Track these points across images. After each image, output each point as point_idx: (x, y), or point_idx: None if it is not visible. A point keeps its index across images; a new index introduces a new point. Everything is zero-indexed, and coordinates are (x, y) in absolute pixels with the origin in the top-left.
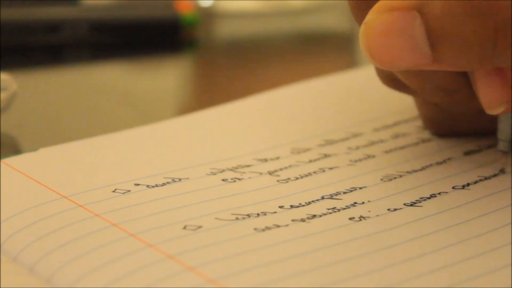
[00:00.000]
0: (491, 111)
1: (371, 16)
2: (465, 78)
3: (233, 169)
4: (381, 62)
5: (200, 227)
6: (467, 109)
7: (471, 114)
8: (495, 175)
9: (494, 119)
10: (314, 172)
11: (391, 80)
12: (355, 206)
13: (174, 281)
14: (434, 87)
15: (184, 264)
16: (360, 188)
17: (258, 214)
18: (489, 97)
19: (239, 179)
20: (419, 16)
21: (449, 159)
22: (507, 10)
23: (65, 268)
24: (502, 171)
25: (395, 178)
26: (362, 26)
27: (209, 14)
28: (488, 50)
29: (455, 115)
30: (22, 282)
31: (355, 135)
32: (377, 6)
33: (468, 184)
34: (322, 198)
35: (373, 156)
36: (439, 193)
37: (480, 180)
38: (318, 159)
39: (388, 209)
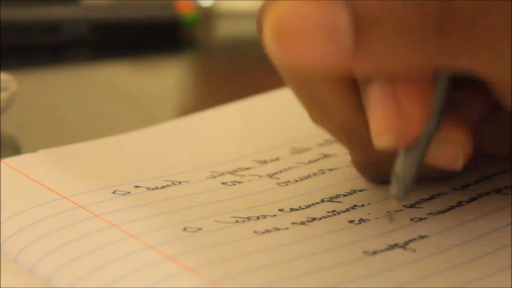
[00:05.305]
0: (380, 140)
1: (283, 3)
2: (363, 117)
3: (232, 172)
4: (289, 58)
5: (200, 229)
6: (371, 156)
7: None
8: (495, 175)
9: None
10: (314, 174)
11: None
12: (354, 208)
13: (174, 282)
14: (335, 127)
15: (183, 265)
16: (360, 190)
17: (258, 217)
18: (378, 122)
19: (239, 182)
20: (344, 4)
21: None
22: None
23: (65, 269)
24: (391, 219)
25: None
26: (271, 14)
27: (209, 14)
28: (431, 37)
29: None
30: (22, 282)
31: None
32: None
33: (468, 185)
34: (322, 201)
35: None
36: (439, 194)
37: (480, 180)
38: (318, 159)
39: (388, 212)
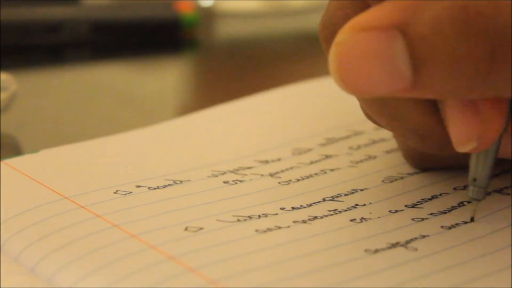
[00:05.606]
0: (462, 147)
1: (344, 35)
2: (438, 122)
3: (234, 171)
4: (353, 89)
5: (201, 228)
6: (444, 153)
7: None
8: (496, 175)
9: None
10: (315, 174)
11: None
12: (356, 208)
13: (175, 282)
14: (407, 130)
15: (185, 265)
16: (361, 190)
17: (259, 216)
18: (460, 131)
19: (240, 181)
20: (401, 36)
21: None
22: (506, 29)
23: (66, 269)
24: (472, 219)
25: (396, 179)
26: (333, 47)
27: (209, 14)
28: (482, 74)
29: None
30: (23, 282)
31: (357, 133)
32: (350, 23)
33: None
34: (323, 200)
35: (374, 157)
36: (440, 194)
37: None
38: (319, 160)
39: (390, 211)
